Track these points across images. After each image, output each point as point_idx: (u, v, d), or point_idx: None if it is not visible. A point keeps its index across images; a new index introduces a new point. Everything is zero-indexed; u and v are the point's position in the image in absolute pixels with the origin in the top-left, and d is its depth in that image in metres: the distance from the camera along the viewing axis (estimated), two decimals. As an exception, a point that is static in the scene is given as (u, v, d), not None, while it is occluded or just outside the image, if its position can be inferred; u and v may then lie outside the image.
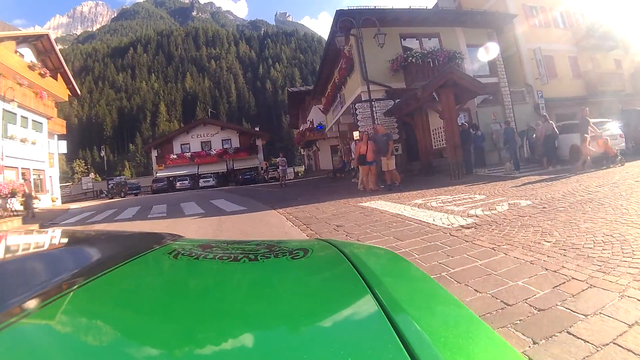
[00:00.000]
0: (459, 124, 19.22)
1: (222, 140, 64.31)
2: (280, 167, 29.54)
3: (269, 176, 50.38)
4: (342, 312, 1.07)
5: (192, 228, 11.28)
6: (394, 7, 24.92)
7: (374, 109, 22.33)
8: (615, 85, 30.58)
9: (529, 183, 12.99)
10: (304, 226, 9.24)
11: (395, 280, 1.34)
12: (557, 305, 3.50)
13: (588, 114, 16.67)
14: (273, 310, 1.06)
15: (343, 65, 26.49)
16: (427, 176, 19.69)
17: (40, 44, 35.04)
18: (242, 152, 62.46)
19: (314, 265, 1.56)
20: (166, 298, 1.22)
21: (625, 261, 4.47)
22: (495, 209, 8.52)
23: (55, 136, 39.25)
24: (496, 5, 29.04)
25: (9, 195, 22.19)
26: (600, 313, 3.28)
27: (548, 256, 4.92)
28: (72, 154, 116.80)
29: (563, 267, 4.47)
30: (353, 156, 18.84)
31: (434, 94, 17.72)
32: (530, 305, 3.54)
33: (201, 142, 63.92)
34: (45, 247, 1.96)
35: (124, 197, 45.80)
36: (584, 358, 2.66)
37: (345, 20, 22.32)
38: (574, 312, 3.34)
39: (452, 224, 7.46)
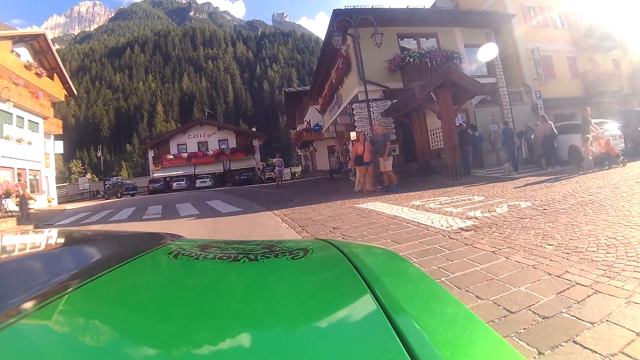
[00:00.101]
0: (457, 125, 19.14)
1: (219, 140, 64.28)
2: (276, 168, 29.43)
3: (266, 177, 50.19)
4: (342, 312, 1.07)
5: (186, 230, 11.12)
6: (391, 7, 24.82)
7: (371, 109, 22.21)
8: (614, 86, 30.62)
9: (528, 184, 12.88)
10: (300, 228, 9.12)
11: (395, 280, 1.33)
12: (562, 312, 3.36)
13: (589, 114, 16.56)
14: (273, 310, 1.05)
15: (340, 65, 26.42)
16: (425, 177, 19.69)
17: (37, 44, 35.02)
18: (238, 153, 62.38)
19: (314, 265, 1.55)
20: (166, 298, 1.21)
21: (630, 265, 4.34)
22: (495, 211, 8.39)
23: (52, 136, 39.02)
24: (494, 5, 29.05)
25: (3, 196, 22.06)
26: (607, 321, 3.14)
27: (550, 260, 4.77)
28: (69, 154, 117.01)
29: (566, 271, 4.33)
30: (350, 157, 18.66)
31: (431, 94, 17.58)
32: (535, 313, 3.39)
33: (198, 143, 63.86)
34: (46, 247, 1.93)
35: (120, 197, 45.81)
36: (591, 369, 2.51)
37: (342, 20, 22.18)
38: (580, 319, 3.20)
39: (451, 226, 7.32)
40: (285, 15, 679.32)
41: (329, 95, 32.92)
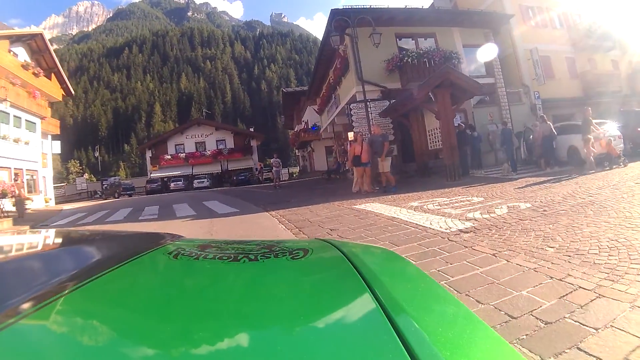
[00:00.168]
0: (456, 125, 19.10)
1: (217, 140, 64.30)
2: (274, 168, 29.27)
3: (264, 177, 50.23)
4: (342, 311, 1.07)
5: (182, 231, 10.87)
6: (389, 7, 24.81)
7: (369, 109, 22.11)
8: (613, 86, 30.64)
9: (527, 185, 12.83)
10: (297, 229, 9.06)
11: (395, 280, 1.33)
12: (565, 317, 3.28)
13: (591, 114, 16.49)
14: (273, 310, 1.06)
15: (338, 65, 26.39)
16: (423, 177, 19.62)
17: (34, 43, 34.99)
18: (236, 153, 62.40)
19: (314, 265, 1.55)
20: (166, 298, 1.21)
21: (634, 268, 4.26)
22: (494, 212, 8.31)
23: (49, 136, 39.13)
24: (493, 6, 29.03)
25: (-1, 196, 22.00)
26: (611, 326, 3.07)
27: (552, 263, 4.69)
28: (67, 155, 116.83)
29: (569, 274, 4.25)
30: (348, 157, 18.58)
31: (430, 94, 17.53)
32: (537, 318, 3.31)
33: (195, 143, 63.83)
34: (46, 248, 1.94)
35: (117, 197, 45.80)
36: (596, 377, 2.43)
37: (340, 20, 22.11)
38: (584, 325, 3.12)
39: (450, 227, 7.24)
40: (283, 15, 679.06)
41: (326, 95, 32.87)
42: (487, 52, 25.13)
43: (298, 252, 1.56)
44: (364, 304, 1.04)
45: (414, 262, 4.77)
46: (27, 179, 31.29)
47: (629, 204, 7.73)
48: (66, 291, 1.06)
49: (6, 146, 28.55)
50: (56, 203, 38.44)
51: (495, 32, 27.40)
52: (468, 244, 5.95)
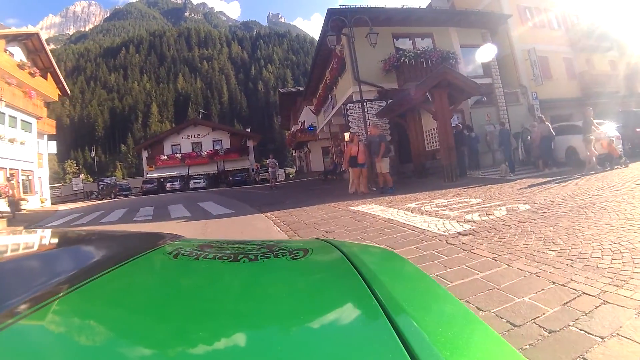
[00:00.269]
0: (453, 125, 18.98)
1: (213, 141, 64.39)
2: (270, 169, 29.31)
3: (260, 178, 50.09)
4: (342, 311, 1.07)
5: (176, 232, 10.86)
6: (386, 7, 24.76)
7: (365, 109, 22.12)
8: (611, 87, 30.77)
9: (525, 186, 12.71)
10: (292, 232, 8.97)
11: (395, 280, 1.32)
12: (569, 325, 3.16)
13: (592, 115, 16.42)
14: (273, 310, 1.05)
15: (334, 65, 26.36)
16: (420, 178, 19.56)
17: (31, 43, 35.13)
18: (233, 153, 62.53)
19: (314, 265, 1.55)
20: (166, 298, 1.19)
21: (638, 272, 4.14)
22: (493, 214, 8.19)
23: (45, 136, 39.23)
24: (490, 6, 29.02)
25: (-7, 196, 21.91)
26: (617, 334, 2.94)
27: (554, 267, 4.55)
28: (64, 155, 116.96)
29: (571, 280, 4.12)
30: (344, 158, 18.47)
31: (427, 94, 17.47)
32: (540, 326, 3.19)
33: (192, 143, 63.96)
34: (45, 248, 1.96)
35: (114, 198, 45.76)
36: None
37: (336, 20, 22.10)
38: (589, 333, 3.00)
39: (448, 230, 7.12)
40: (280, 16, 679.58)
41: (323, 95, 32.87)
42: (486, 53, 25.10)
43: (298, 252, 1.56)
44: (364, 304, 1.03)
45: (412, 266, 4.55)
46: (22, 180, 31.39)
47: (630, 205, 7.62)
48: (66, 291, 1.05)
49: (1, 146, 28.54)
50: (52, 203, 38.55)
51: (492, 32, 27.47)
52: (467, 247, 5.82)
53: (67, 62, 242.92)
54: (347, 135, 19.23)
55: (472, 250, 5.60)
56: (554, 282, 4.09)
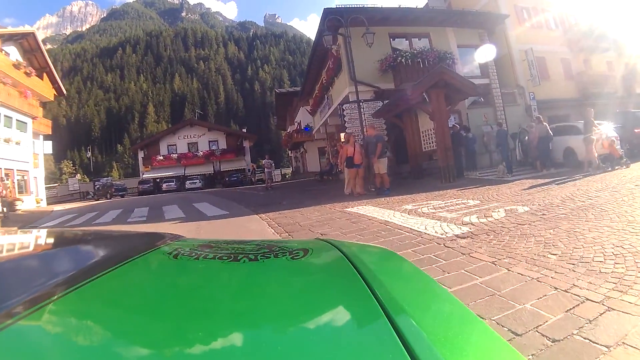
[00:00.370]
0: (450, 126, 18.98)
1: (209, 141, 64.42)
2: (266, 170, 29.19)
3: (256, 178, 50.34)
4: (342, 311, 1.07)
5: (171, 234, 10.83)
6: (383, 6, 24.72)
7: (362, 110, 22.00)
8: (608, 88, 30.78)
9: (523, 187, 12.66)
10: (286, 234, 8.86)
11: (395, 280, 1.33)
12: (573, 334, 3.03)
13: (593, 115, 16.42)
14: (273, 310, 1.05)
15: (331, 65, 26.31)
16: (417, 179, 19.52)
17: (26, 43, 35.14)
18: (229, 154, 62.49)
19: (314, 265, 1.56)
20: (166, 298, 1.19)
21: (642, 277, 3.96)
22: (491, 216, 8.07)
23: (41, 136, 39.27)
24: (488, 6, 29.07)
25: (-14, 197, 21.80)
26: (623, 343, 2.84)
27: (556, 272, 4.44)
28: (60, 155, 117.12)
29: (574, 285, 4.00)
30: (340, 159, 18.37)
31: (424, 94, 17.40)
32: (543, 335, 3.06)
33: (188, 144, 63.95)
34: (45, 248, 1.94)
35: (110, 198, 45.70)
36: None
37: (333, 19, 21.96)
38: (594, 343, 2.89)
39: (446, 233, 7.00)
40: (277, 16, 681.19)
41: (319, 96, 32.92)
42: (486, 53, 25.06)
43: (298, 252, 1.55)
44: (363, 304, 1.02)
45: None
46: (17, 180, 31.38)
47: (631, 207, 7.53)
48: (65, 291, 1.04)
49: (-3, 146, 28.44)
50: (48, 204, 38.48)
51: (490, 32, 27.47)
52: (465, 250, 5.70)
53: (64, 62, 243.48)
54: (342, 136, 19.11)
55: (470, 254, 5.48)
56: (556, 288, 3.97)
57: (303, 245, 1.70)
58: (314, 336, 0.91)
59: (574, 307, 3.50)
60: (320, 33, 23.56)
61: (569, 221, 6.85)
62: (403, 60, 22.96)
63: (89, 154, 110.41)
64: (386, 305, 0.96)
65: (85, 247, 1.91)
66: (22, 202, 26.86)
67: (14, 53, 33.22)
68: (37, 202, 34.82)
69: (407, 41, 25.33)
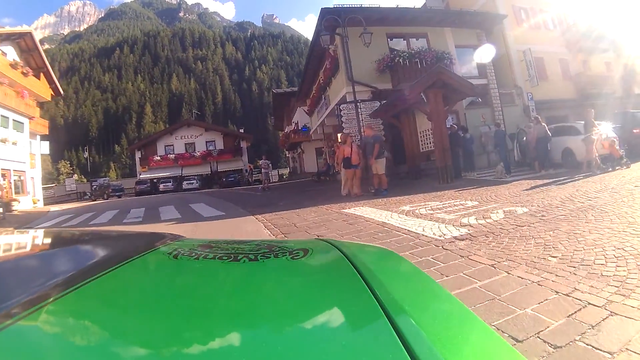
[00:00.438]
0: (448, 126, 18.94)
1: (206, 141, 64.48)
2: (263, 170, 29.18)
3: (253, 179, 50.26)
4: (342, 311, 1.06)
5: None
6: (380, 6, 24.70)
7: (359, 110, 22.01)
8: (607, 88, 30.78)
9: (522, 188, 12.59)
10: (282, 235, 8.78)
11: (395, 280, 1.32)
12: (575, 340, 2.96)
13: (593, 115, 16.48)
14: (273, 309, 1.06)
15: (328, 65, 26.29)
16: (415, 180, 19.44)
17: (24, 42, 35.17)
18: (226, 154, 62.60)
19: (314, 265, 1.56)
20: (166, 298, 1.19)
21: (645, 281, 3.89)
22: (490, 217, 7.98)
23: (38, 137, 39.26)
24: (485, 6, 29.14)
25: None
26: (627, 349, 2.78)
27: (556, 275, 4.35)
28: (58, 155, 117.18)
29: (575, 289, 3.92)
30: (337, 160, 18.31)
31: (421, 94, 17.41)
32: (545, 342, 2.98)
33: (185, 144, 64.01)
34: (44, 248, 1.95)
35: (106, 199, 45.86)
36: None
37: (330, 19, 21.99)
38: (597, 349, 2.82)
39: (444, 234, 6.90)
40: (274, 16, 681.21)
41: (316, 96, 32.87)
42: (486, 53, 25.01)
43: (298, 252, 1.56)
44: (364, 304, 1.03)
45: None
46: (14, 180, 31.37)
47: (631, 208, 7.45)
48: (66, 291, 1.04)
49: (-7, 146, 28.43)
50: (45, 204, 38.54)
51: (488, 32, 27.51)
52: (464, 253, 5.61)
53: (62, 62, 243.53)
54: (339, 136, 19.05)
55: (469, 257, 5.39)
56: (557, 292, 3.90)
57: (303, 245, 1.71)
58: (314, 336, 0.91)
59: (575, 312, 3.43)
60: (317, 33, 23.48)
61: (569, 223, 6.77)
62: (401, 60, 22.97)
63: (86, 154, 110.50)
64: (386, 305, 0.96)
65: (85, 247, 1.91)
66: (19, 202, 26.86)
67: (11, 53, 33.26)
68: (34, 203, 34.88)
69: (405, 41, 25.33)
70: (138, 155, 63.47)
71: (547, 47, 30.02)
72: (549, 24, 31.81)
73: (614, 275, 4.18)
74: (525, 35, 29.00)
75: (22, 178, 33.86)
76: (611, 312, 3.36)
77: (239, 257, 1.50)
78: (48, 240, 2.13)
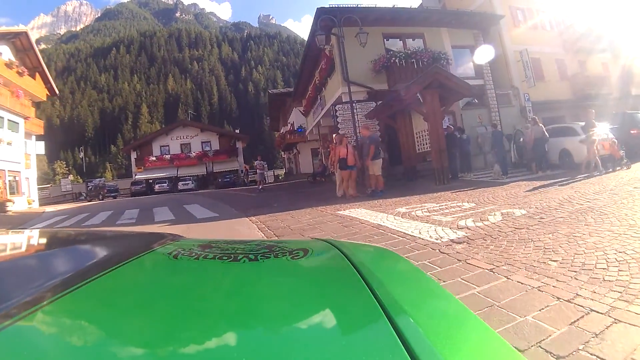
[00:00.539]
0: (444, 127, 18.85)
1: (202, 142, 64.50)
2: (258, 171, 29.28)
3: (249, 179, 50.50)
4: (342, 311, 1.07)
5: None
6: (376, 6, 24.56)
7: (355, 111, 22.00)
8: (604, 89, 30.93)
9: (519, 189, 12.52)
10: (275, 238, 8.59)
11: (395, 280, 1.30)
12: (579, 350, 2.83)
13: (594, 116, 16.48)
14: (273, 310, 1.07)
15: (323, 65, 26.22)
16: (411, 181, 19.45)
17: (19, 42, 35.28)
18: (221, 155, 62.62)
19: (314, 265, 1.57)
20: (166, 298, 1.18)
21: (649, 285, 3.78)
22: (488, 220, 7.88)
23: (33, 137, 39.35)
24: (482, 7, 29.09)
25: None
26: (632, 359, 2.65)
27: (557, 280, 4.23)
28: (54, 155, 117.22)
29: (577, 294, 3.80)
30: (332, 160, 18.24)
31: (418, 95, 17.36)
32: (547, 351, 2.85)
33: (181, 144, 64.04)
34: (45, 248, 1.94)
35: (102, 199, 45.98)
36: None
37: (326, 19, 21.86)
38: (601, 359, 2.68)
39: (441, 237, 6.78)
40: (271, 17, 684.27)
41: (312, 96, 32.94)
42: (484, 54, 24.99)
43: (298, 252, 1.56)
44: (363, 304, 1.02)
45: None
46: (9, 180, 31.39)
47: (631, 210, 7.36)
48: (66, 291, 1.03)
49: (-12, 147, 28.45)
50: (40, 205, 38.71)
51: (484, 33, 27.51)
52: (462, 257, 5.48)
53: (58, 62, 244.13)
54: (334, 137, 19.02)
55: (467, 261, 5.27)
56: (558, 298, 3.78)
57: (303, 245, 1.72)
58: (315, 336, 0.91)
59: (578, 319, 3.31)
60: (313, 33, 23.48)
61: (569, 225, 6.67)
62: (397, 60, 22.90)
63: (82, 154, 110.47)
64: (386, 305, 0.96)
65: (85, 247, 1.89)
66: (13, 203, 26.82)
67: (6, 52, 33.36)
68: (29, 203, 34.90)
69: (401, 41, 25.27)
70: (134, 155, 63.41)
71: (544, 47, 30.10)
72: (546, 24, 31.91)
73: (616, 280, 4.07)
74: (522, 35, 29.09)
75: (17, 178, 33.85)
76: (615, 319, 3.25)
77: (239, 257, 1.50)
78: (48, 241, 2.12)
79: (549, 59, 30.37)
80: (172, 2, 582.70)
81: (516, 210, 8.58)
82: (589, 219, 6.98)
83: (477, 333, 0.95)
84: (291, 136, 47.04)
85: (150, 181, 55.80)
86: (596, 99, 28.90)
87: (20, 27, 38.56)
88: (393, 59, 22.91)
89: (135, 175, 59.99)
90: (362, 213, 10.67)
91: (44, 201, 44.06)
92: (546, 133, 18.06)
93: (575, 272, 4.41)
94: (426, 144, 19.20)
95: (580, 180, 13.41)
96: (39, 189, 44.06)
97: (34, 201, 36.59)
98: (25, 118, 35.20)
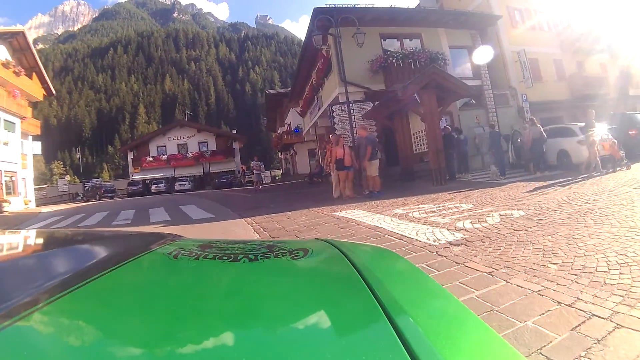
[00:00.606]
0: (442, 128, 18.87)
1: (199, 142, 64.56)
2: (255, 172, 29.25)
3: (246, 180, 50.14)
4: (342, 311, 1.07)
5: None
6: (374, 6, 24.53)
7: (352, 111, 21.98)
8: (601, 90, 30.95)
9: (517, 190, 12.47)
10: (271, 239, 8.39)
11: (395, 280, 1.30)
12: (581, 357, 2.76)
13: (594, 116, 16.44)
14: (273, 309, 1.07)
15: (320, 65, 26.29)
16: (408, 182, 19.39)
17: (16, 42, 35.25)
18: (218, 155, 62.71)
19: (314, 265, 1.56)
20: (166, 298, 1.18)
21: (651, 289, 3.70)
22: (486, 221, 7.80)
23: (30, 137, 39.25)
24: (480, 7, 29.28)
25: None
26: None
27: (557, 284, 4.15)
28: (51, 156, 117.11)
29: (578, 299, 3.72)
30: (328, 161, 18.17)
31: (415, 95, 17.36)
32: (548, 358, 2.78)
33: (177, 145, 64.11)
34: (45, 248, 1.92)
35: (98, 200, 46.02)
36: None
37: (323, 19, 21.91)
38: None
39: (439, 239, 6.70)
40: (268, 17, 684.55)
41: (309, 97, 33.03)
42: (483, 55, 24.97)
43: (298, 252, 1.56)
44: (363, 304, 1.03)
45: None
46: (5, 181, 31.37)
47: (630, 211, 7.28)
48: (66, 292, 1.04)
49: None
50: (37, 205, 38.75)
51: (482, 33, 27.63)
52: (460, 259, 5.41)
53: (55, 62, 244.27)
54: (331, 137, 18.98)
55: (465, 263, 5.19)
56: (559, 302, 3.70)
57: (303, 245, 1.71)
58: (314, 336, 0.91)
59: (579, 325, 3.23)
60: (310, 33, 23.45)
61: (568, 227, 6.60)
62: (394, 60, 23.00)
63: (79, 154, 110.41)
64: (386, 304, 0.96)
65: (85, 248, 1.89)
66: (10, 203, 26.82)
67: (3, 52, 33.35)
68: (26, 204, 34.94)
69: (399, 42, 25.31)
70: (130, 156, 63.43)
71: (542, 48, 30.24)
72: (543, 25, 32.08)
73: (617, 283, 4.00)
74: (519, 36, 29.23)
75: (13, 179, 33.88)
76: (617, 324, 3.18)
77: (239, 257, 1.50)
78: (48, 241, 2.09)
79: (546, 60, 30.48)
80: (169, 3, 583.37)
81: (514, 212, 8.51)
82: (588, 220, 6.91)
83: (477, 333, 0.96)
84: (288, 137, 47.15)
85: (147, 182, 55.80)
86: (594, 99, 28.84)
87: (18, 27, 38.52)
88: (390, 59, 22.98)
89: (132, 175, 60.12)
90: (359, 214, 10.62)
91: (40, 202, 44.14)
92: (544, 134, 18.00)
93: (575, 275, 4.34)
94: (423, 144, 19.20)
95: (579, 181, 13.37)
96: (36, 189, 44.19)
97: (30, 201, 36.54)
98: (22, 118, 35.21)
